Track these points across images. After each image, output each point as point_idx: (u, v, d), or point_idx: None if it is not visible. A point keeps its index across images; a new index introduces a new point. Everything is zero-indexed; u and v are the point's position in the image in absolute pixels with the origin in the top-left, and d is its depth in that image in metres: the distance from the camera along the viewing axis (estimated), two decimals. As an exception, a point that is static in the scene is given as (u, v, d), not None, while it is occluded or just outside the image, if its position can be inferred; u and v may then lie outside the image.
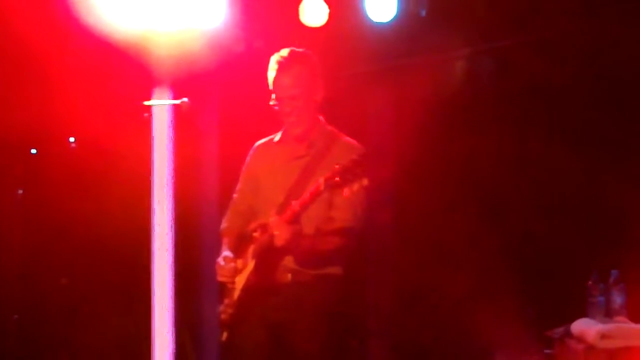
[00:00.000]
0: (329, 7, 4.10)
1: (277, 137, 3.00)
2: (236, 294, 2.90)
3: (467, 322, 3.99)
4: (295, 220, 2.75)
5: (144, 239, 3.26)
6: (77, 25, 3.43)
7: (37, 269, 4.21)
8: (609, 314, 3.44)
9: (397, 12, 4.13)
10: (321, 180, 2.67)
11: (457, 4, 4.14)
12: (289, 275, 2.85)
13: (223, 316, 2.93)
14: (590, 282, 3.49)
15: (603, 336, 3.29)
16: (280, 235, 2.74)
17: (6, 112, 3.86)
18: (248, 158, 3.06)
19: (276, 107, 2.91)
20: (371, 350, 4.37)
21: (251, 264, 2.87)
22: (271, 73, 2.92)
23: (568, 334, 3.47)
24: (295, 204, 2.75)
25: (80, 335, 4.20)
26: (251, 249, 2.88)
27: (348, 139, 2.94)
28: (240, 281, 2.90)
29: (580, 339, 3.39)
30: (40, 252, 4.21)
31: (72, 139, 4.01)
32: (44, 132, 4.04)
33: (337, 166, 2.63)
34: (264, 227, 2.84)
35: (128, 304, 3.96)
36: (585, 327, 3.39)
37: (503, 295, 4.05)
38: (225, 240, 3.01)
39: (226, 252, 2.95)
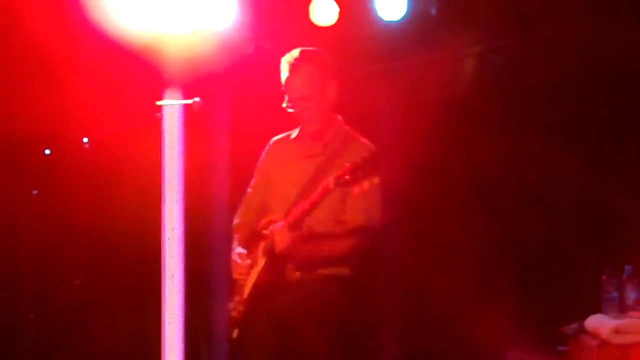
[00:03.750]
0: (339, 7, 4.11)
1: (294, 133, 3.01)
2: (247, 291, 2.91)
3: (479, 320, 3.98)
4: (296, 225, 2.76)
5: (155, 239, 3.28)
6: (89, 28, 3.46)
7: (52, 268, 4.25)
8: (623, 309, 3.43)
9: (407, 10, 4.13)
10: (331, 178, 2.67)
11: (467, 3, 4.13)
12: (298, 274, 2.85)
13: (234, 313, 2.95)
14: (603, 278, 3.48)
15: (617, 331, 3.28)
16: (280, 241, 2.76)
17: (21, 113, 3.90)
18: (264, 153, 3.06)
19: (289, 109, 2.91)
20: (382, 350, 4.36)
21: (261, 262, 2.88)
22: (283, 74, 2.93)
23: (582, 330, 3.46)
24: (297, 210, 2.76)
25: (93, 334, 4.23)
26: (261, 246, 2.89)
27: (364, 140, 2.92)
28: (250, 278, 2.91)
29: (594, 334, 3.38)
30: (54, 252, 4.25)
31: (85, 140, 4.05)
32: (58, 133, 4.08)
33: (347, 164, 2.63)
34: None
35: (140, 304, 3.99)
36: (599, 323, 3.38)
37: (515, 292, 4.05)
38: (236, 237, 3.02)
39: (239, 249, 2.96)
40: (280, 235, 2.76)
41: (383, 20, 4.15)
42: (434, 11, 4.20)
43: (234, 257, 2.94)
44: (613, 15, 3.82)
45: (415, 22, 4.18)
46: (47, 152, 4.15)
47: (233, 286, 2.98)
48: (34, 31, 3.77)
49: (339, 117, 2.99)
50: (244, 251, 2.94)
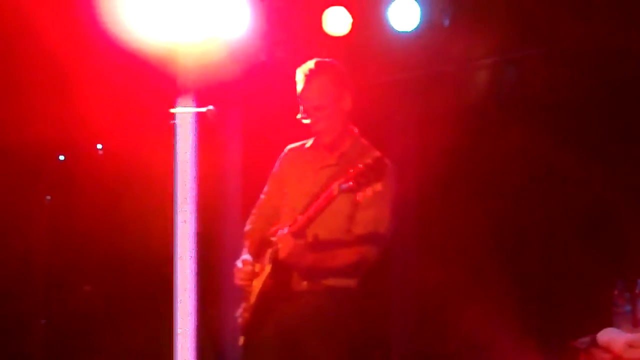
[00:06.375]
0: (352, 17, 4.12)
1: (309, 143, 3.00)
2: (253, 298, 2.89)
3: (490, 333, 3.96)
4: (300, 232, 2.74)
5: (167, 245, 3.29)
6: (104, 37, 3.51)
7: (64, 274, 4.27)
8: (635, 323, 3.40)
9: (420, 21, 4.14)
10: (335, 184, 2.65)
11: (481, 14, 4.14)
12: (305, 283, 2.82)
13: (240, 320, 2.93)
14: (616, 292, 3.45)
15: (630, 346, 3.25)
16: (283, 248, 2.74)
17: (35, 119, 3.94)
18: (278, 161, 3.05)
19: (304, 120, 2.90)
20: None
21: (267, 269, 2.86)
22: (298, 85, 2.92)
23: (594, 344, 3.43)
24: (302, 217, 2.74)
25: (104, 340, 4.24)
26: (268, 253, 2.87)
27: (378, 153, 2.83)
28: (257, 285, 2.89)
29: (606, 348, 3.35)
30: (66, 257, 4.27)
31: (99, 146, 4.07)
32: (72, 139, 4.11)
33: (350, 170, 2.61)
34: None
35: (151, 310, 3.99)
36: (612, 337, 3.35)
37: (527, 306, 4.02)
38: (246, 243, 3.01)
39: (245, 256, 2.95)
40: (283, 242, 2.75)
41: (396, 30, 4.15)
42: (447, 22, 4.21)
43: (238, 262, 2.92)
44: (627, 27, 3.81)
45: (428, 33, 4.18)
46: (61, 158, 4.17)
47: (240, 292, 2.96)
48: (49, 39, 3.81)
49: (356, 129, 2.98)
50: (249, 258, 2.92)
